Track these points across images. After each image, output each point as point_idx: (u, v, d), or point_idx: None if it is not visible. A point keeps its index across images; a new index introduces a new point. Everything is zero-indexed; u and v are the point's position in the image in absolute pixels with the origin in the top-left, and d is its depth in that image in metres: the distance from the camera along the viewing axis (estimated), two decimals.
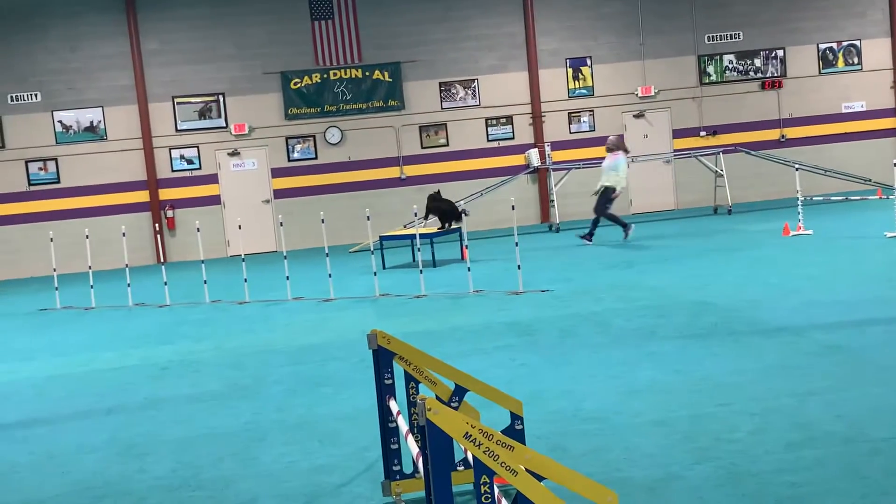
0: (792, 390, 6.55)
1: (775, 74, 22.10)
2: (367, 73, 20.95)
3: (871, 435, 5.53)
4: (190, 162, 20.74)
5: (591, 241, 16.22)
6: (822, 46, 22.21)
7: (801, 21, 22.03)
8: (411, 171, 21.29)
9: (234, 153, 20.87)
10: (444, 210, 15.49)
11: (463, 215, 14.86)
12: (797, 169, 16.39)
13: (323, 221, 13.28)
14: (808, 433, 5.65)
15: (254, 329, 11.11)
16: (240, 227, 14.90)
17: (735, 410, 6.21)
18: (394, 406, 4.94)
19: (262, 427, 6.89)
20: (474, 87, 21.35)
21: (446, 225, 15.53)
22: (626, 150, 16.48)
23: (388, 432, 5.07)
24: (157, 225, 18.52)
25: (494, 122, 21.48)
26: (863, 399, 6.21)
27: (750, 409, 6.20)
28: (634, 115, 21.80)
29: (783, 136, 22.12)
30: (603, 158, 16.64)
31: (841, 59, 22.28)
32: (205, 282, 13.80)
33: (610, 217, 16.28)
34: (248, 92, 20.77)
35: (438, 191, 16.30)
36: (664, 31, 21.69)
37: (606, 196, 16.13)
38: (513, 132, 21.52)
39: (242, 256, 14.04)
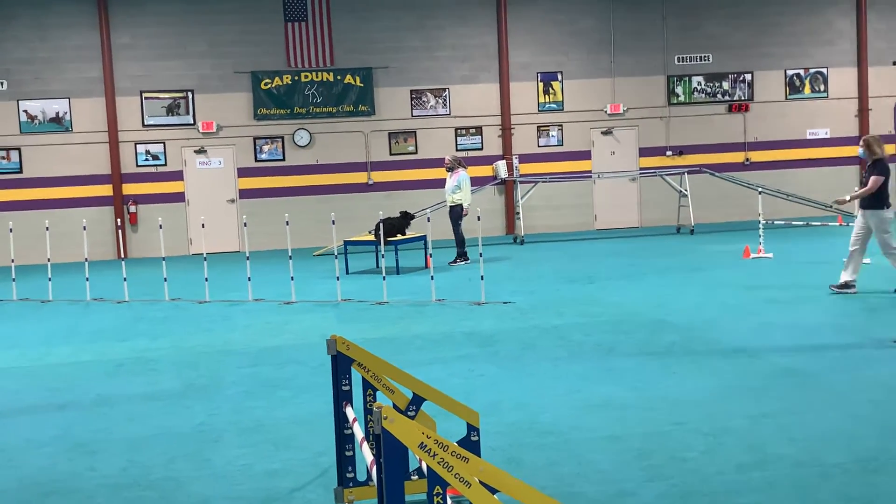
0: (746, 411, 6.61)
1: (742, 98, 22.36)
2: (339, 77, 20.91)
3: (823, 459, 5.60)
4: (155, 158, 20.54)
5: (467, 260, 16.16)
6: (790, 72, 22.52)
7: (769, 46, 22.32)
8: (379, 177, 21.26)
9: (201, 151, 20.72)
10: (392, 224, 15.58)
11: (408, 219, 15.18)
12: (760, 192, 16.58)
13: (287, 223, 13.22)
14: (760, 455, 5.71)
15: (213, 329, 11.02)
16: (203, 225, 14.79)
17: (689, 429, 6.26)
18: (350, 413, 4.93)
19: (217, 428, 6.83)
20: (445, 96, 21.38)
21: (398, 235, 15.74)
22: (465, 167, 16.44)
23: (344, 439, 5.04)
24: (119, 220, 18.31)
25: (464, 132, 21.52)
26: (816, 423, 6.29)
27: (704, 429, 6.25)
28: (602, 132, 21.95)
29: (748, 160, 22.38)
30: (570, 173, 16.71)
31: (808, 86, 22.60)
32: (165, 279, 13.67)
33: (459, 237, 16.18)
34: (218, 90, 20.64)
35: (407, 212, 16.46)
36: (635, 50, 21.88)
37: (456, 214, 16.10)
38: (482, 143, 21.58)
39: (204, 255, 13.93)
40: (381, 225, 13.86)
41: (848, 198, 11.59)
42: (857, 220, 11.35)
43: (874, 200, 10.96)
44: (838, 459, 5.57)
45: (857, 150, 11.48)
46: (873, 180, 10.88)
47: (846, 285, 11.22)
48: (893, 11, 22.55)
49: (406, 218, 16.24)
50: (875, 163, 11.03)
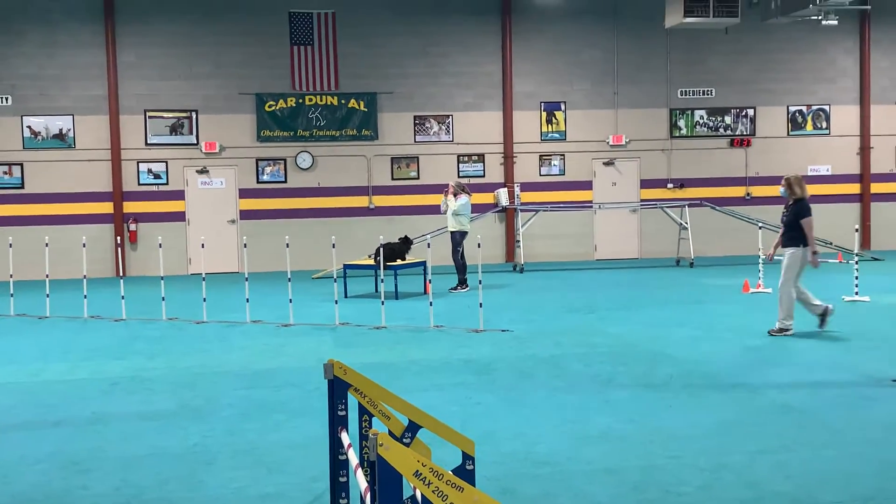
0: (743, 447, 6.58)
1: (744, 133, 22.43)
2: (343, 101, 20.99)
3: (819, 498, 5.56)
4: (157, 177, 20.58)
5: (466, 287, 16.14)
6: (792, 109, 22.61)
7: (772, 82, 22.42)
8: (380, 201, 21.30)
9: (203, 171, 20.76)
10: (392, 249, 15.58)
11: (408, 244, 15.23)
12: (760, 227, 16.60)
13: (288, 245, 13.22)
14: (756, 492, 5.67)
15: (209, 349, 10.98)
16: (203, 245, 14.78)
17: (686, 464, 6.23)
18: (345, 438, 4.90)
19: (211, 450, 6.79)
20: (448, 122, 21.45)
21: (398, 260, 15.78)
22: (468, 193, 16.45)
23: (338, 464, 5.01)
24: (118, 238, 18.32)
25: (466, 158, 21.57)
26: (813, 461, 6.25)
27: (700, 464, 6.21)
28: (604, 163, 22.00)
29: (748, 194, 22.42)
30: (571, 203, 16.73)
31: (810, 123, 22.68)
32: (163, 298, 13.65)
33: (461, 263, 16.17)
34: (222, 111, 20.71)
35: (407, 237, 16.48)
36: (638, 83, 21.98)
37: (456, 241, 16.11)
38: (484, 170, 21.63)
39: (203, 275, 13.92)
40: (381, 250, 13.86)
41: (772, 250, 11.55)
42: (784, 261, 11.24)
43: (796, 239, 11.02)
44: (835, 498, 5.54)
45: (779, 190, 11.45)
46: (807, 224, 10.91)
47: (824, 311, 11.20)
48: None
49: (406, 243, 16.24)
50: (797, 202, 11.09)
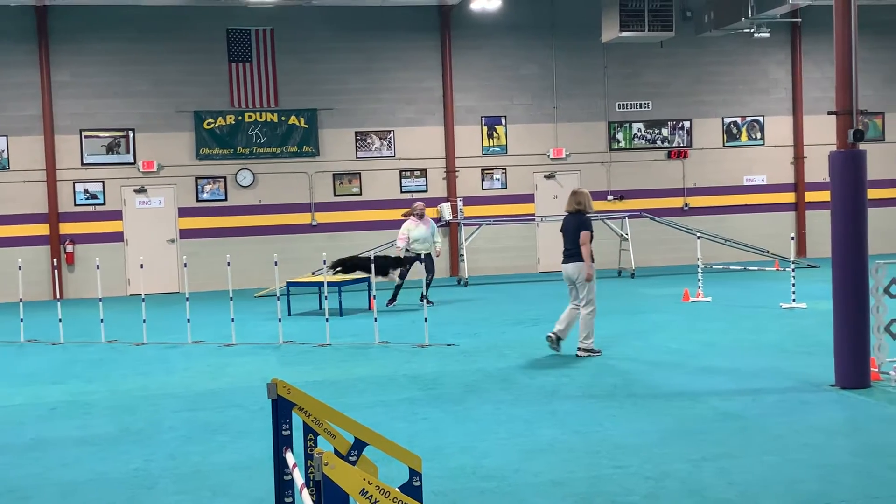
0: (687, 455, 6.65)
1: (681, 144, 22.78)
2: (283, 118, 20.87)
3: (762, 503, 5.64)
4: (94, 197, 20.23)
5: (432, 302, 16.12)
6: (727, 120, 23.02)
7: (707, 95, 22.82)
8: (323, 217, 21.19)
9: (141, 190, 20.47)
10: (378, 265, 15.31)
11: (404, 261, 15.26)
12: (699, 237, 16.85)
13: (229, 264, 13.08)
14: (701, 499, 5.74)
15: (150, 372, 10.81)
16: (142, 265, 14.55)
17: (631, 473, 6.27)
18: (290, 458, 4.84)
19: (153, 474, 6.67)
20: (390, 138, 21.45)
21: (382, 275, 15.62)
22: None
23: (283, 485, 4.96)
24: (55, 259, 17.94)
25: (408, 174, 21.58)
26: (755, 467, 6.34)
27: (646, 473, 6.27)
28: (546, 176, 22.17)
29: (686, 205, 22.76)
30: (513, 216, 16.83)
31: (744, 134, 23.12)
32: (101, 320, 13.40)
33: (400, 284, 16.20)
34: (160, 129, 20.45)
35: (387, 256, 16.30)
36: (577, 97, 22.21)
37: (415, 262, 15.97)
38: (426, 185, 21.65)
39: (142, 296, 13.70)
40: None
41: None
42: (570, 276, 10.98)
43: (582, 254, 10.71)
44: (777, 503, 5.62)
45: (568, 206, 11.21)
46: (585, 235, 10.69)
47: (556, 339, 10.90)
48: (827, 61, 23.22)
49: (401, 262, 15.78)
50: (582, 215, 10.85)
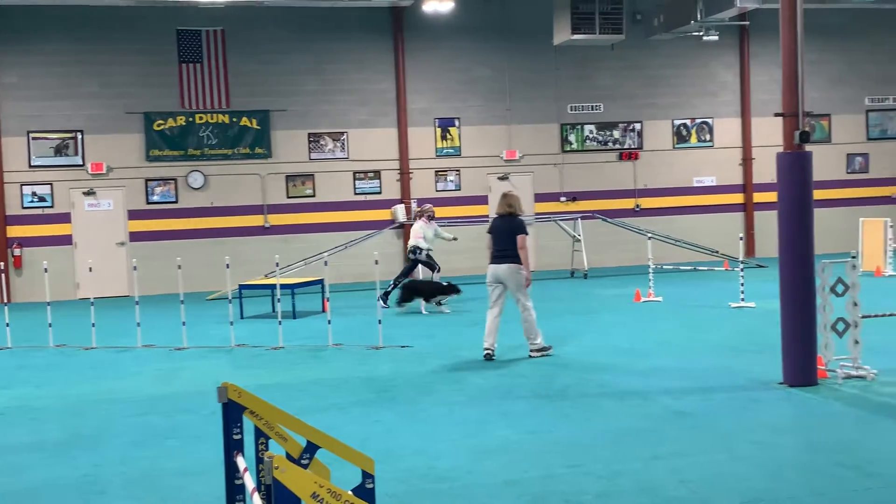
0: (639, 454, 6.72)
1: (632, 146, 23.00)
2: (235, 119, 20.70)
3: (712, 501, 5.71)
4: (42, 199, 19.91)
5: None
6: (677, 122, 23.29)
7: (658, 97, 23.07)
8: (276, 219, 21.06)
9: (90, 192, 20.18)
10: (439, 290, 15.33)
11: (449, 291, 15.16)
12: (649, 238, 17.03)
13: (180, 267, 12.94)
14: (652, 497, 5.79)
15: (99, 376, 10.66)
16: (91, 269, 14.35)
17: (584, 472, 6.32)
18: (241, 462, 4.81)
19: (102, 480, 6.58)
20: (344, 139, 21.39)
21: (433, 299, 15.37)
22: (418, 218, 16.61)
23: (234, 490, 4.91)
24: (2, 263, 17.59)
25: (362, 175, 21.53)
26: (706, 465, 6.42)
27: (598, 472, 6.31)
28: (499, 178, 22.25)
29: (638, 206, 22.98)
30: (467, 217, 16.91)
31: (694, 136, 23.41)
32: (50, 325, 13.18)
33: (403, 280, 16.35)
34: (109, 131, 20.19)
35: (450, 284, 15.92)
36: (530, 99, 22.33)
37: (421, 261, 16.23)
38: (380, 187, 21.62)
39: (91, 300, 13.51)
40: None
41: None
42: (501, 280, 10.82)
43: (518, 257, 10.64)
44: (727, 501, 5.70)
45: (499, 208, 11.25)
46: (523, 238, 10.64)
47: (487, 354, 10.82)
48: (775, 64, 23.57)
49: (448, 290, 15.45)
50: (515, 217, 10.86)
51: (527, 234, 10.85)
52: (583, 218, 20.85)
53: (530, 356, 10.75)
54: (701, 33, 20.27)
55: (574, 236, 20.75)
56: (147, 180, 20.46)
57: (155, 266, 19.25)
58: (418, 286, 15.61)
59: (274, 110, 20.89)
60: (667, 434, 7.25)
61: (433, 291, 15.40)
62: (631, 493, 5.88)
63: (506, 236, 10.74)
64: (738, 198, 23.61)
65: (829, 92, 23.61)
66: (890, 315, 10.10)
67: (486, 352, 10.73)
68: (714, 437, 7.15)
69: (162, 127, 20.37)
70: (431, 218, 16.46)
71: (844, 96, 23.91)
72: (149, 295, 18.07)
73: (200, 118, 20.54)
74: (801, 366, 8.76)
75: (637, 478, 6.16)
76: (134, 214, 20.42)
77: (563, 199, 22.53)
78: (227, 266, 12.91)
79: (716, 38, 20.53)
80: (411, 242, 16.31)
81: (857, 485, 5.91)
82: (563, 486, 6.03)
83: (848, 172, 24.07)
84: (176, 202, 20.60)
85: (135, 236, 20.38)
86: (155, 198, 20.52)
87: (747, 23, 22.53)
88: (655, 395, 8.59)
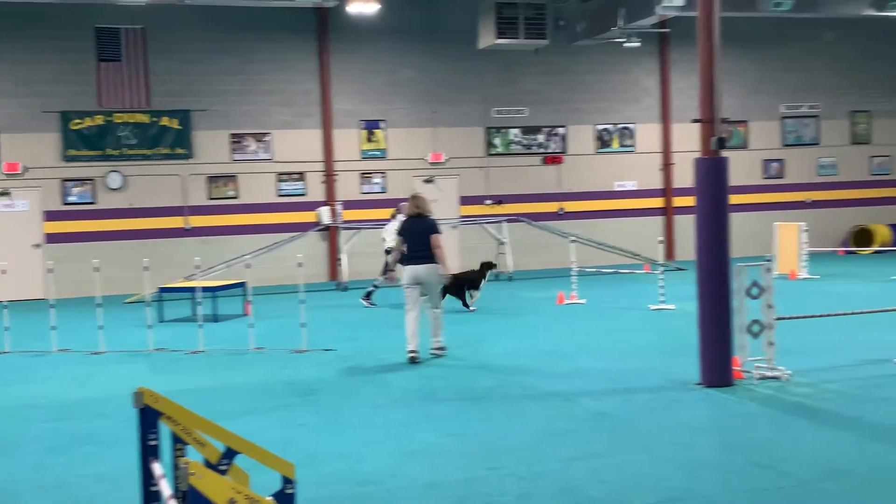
0: (559, 455, 6.78)
1: (556, 150, 23.24)
2: (155, 119, 20.33)
3: (631, 500, 5.80)
4: None
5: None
6: (600, 127, 23.61)
7: (581, 102, 23.35)
8: (197, 221, 20.73)
9: (4, 193, 19.61)
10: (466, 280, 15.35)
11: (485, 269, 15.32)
12: (572, 241, 17.21)
13: (97, 269, 12.65)
14: (572, 498, 5.85)
15: (12, 381, 10.36)
16: (4, 271, 13.93)
17: (505, 474, 6.35)
18: (157, 469, 4.72)
19: (15, 488, 6.40)
20: (267, 140, 21.17)
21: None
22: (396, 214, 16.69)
23: (150, 497, 4.82)
24: None
25: (286, 177, 21.34)
26: (625, 465, 6.51)
27: (519, 473, 6.36)
28: (424, 180, 22.27)
29: (561, 209, 23.22)
30: (391, 220, 16.88)
31: (616, 140, 23.76)
32: None
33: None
34: (24, 130, 19.65)
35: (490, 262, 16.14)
36: (455, 102, 22.39)
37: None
38: (305, 188, 21.45)
39: (5, 303, 13.12)
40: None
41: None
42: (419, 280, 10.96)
43: (434, 257, 10.83)
44: (646, 500, 5.79)
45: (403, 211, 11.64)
46: (438, 238, 10.83)
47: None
48: (694, 71, 24.05)
49: (485, 268, 15.67)
50: (427, 218, 11.09)
51: (440, 232, 10.99)
52: (508, 221, 20.99)
53: (435, 354, 10.95)
54: (623, 40, 20.55)
55: (499, 239, 20.88)
56: (64, 181, 19.97)
57: (72, 268, 18.79)
58: (460, 277, 15.43)
59: (195, 110, 20.58)
60: (588, 435, 7.34)
61: (475, 278, 15.55)
62: (551, 493, 5.93)
63: (420, 237, 10.90)
64: (658, 202, 24.03)
65: (746, 99, 24.19)
66: (804, 317, 10.40)
67: (410, 354, 10.74)
68: (633, 437, 7.26)
69: (79, 126, 19.90)
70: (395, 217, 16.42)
71: (761, 103, 24.53)
72: (66, 298, 17.63)
73: (119, 118, 20.12)
74: (717, 367, 8.95)
75: (557, 478, 6.22)
76: (50, 215, 19.91)
77: (488, 202, 22.65)
78: (146, 268, 12.67)
79: (637, 44, 20.85)
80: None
81: (770, 483, 6.06)
82: (485, 488, 6.06)
83: (764, 178, 24.68)
84: (94, 203, 20.14)
85: (51, 238, 19.87)
86: (72, 198, 20.04)
87: (668, 30, 22.93)
88: (577, 396, 8.69)
